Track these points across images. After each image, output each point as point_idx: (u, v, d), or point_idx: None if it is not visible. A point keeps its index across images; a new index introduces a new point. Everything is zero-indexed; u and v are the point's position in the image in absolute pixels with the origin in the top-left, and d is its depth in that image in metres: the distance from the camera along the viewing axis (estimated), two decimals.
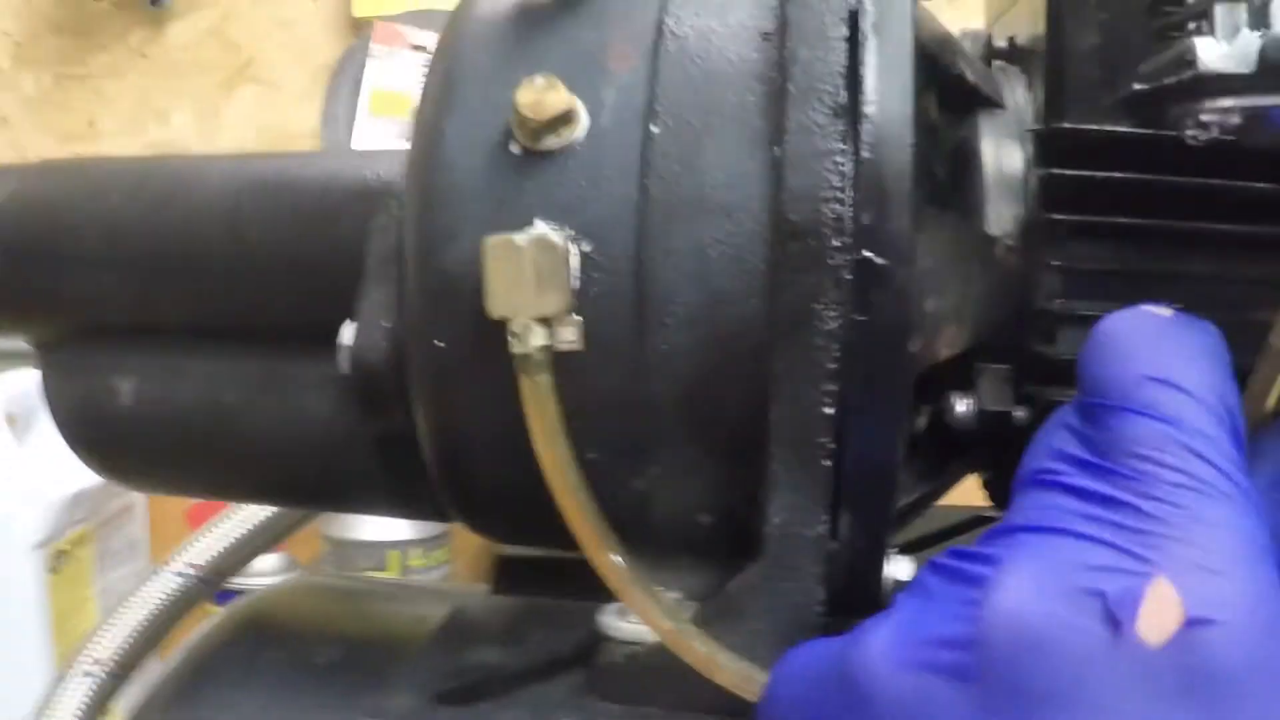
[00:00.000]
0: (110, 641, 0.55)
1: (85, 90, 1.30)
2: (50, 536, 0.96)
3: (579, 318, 0.29)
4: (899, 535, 0.40)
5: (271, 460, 0.40)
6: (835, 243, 0.28)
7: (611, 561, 0.29)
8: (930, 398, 0.34)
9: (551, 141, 0.30)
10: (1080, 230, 0.33)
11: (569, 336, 0.29)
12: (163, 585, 0.56)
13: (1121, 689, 0.22)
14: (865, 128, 0.29)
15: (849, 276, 0.28)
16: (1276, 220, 0.33)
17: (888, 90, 0.29)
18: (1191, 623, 0.23)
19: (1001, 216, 0.33)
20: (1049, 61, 0.34)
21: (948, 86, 0.35)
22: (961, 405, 0.33)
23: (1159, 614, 0.23)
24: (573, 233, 0.30)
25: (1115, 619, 0.23)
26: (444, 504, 0.35)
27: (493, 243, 0.29)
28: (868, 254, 0.28)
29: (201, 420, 0.41)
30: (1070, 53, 0.34)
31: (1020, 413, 0.33)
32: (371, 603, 0.43)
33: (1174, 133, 0.31)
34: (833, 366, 0.28)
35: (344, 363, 0.35)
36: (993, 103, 0.35)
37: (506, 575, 0.41)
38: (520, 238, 0.29)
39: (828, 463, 0.28)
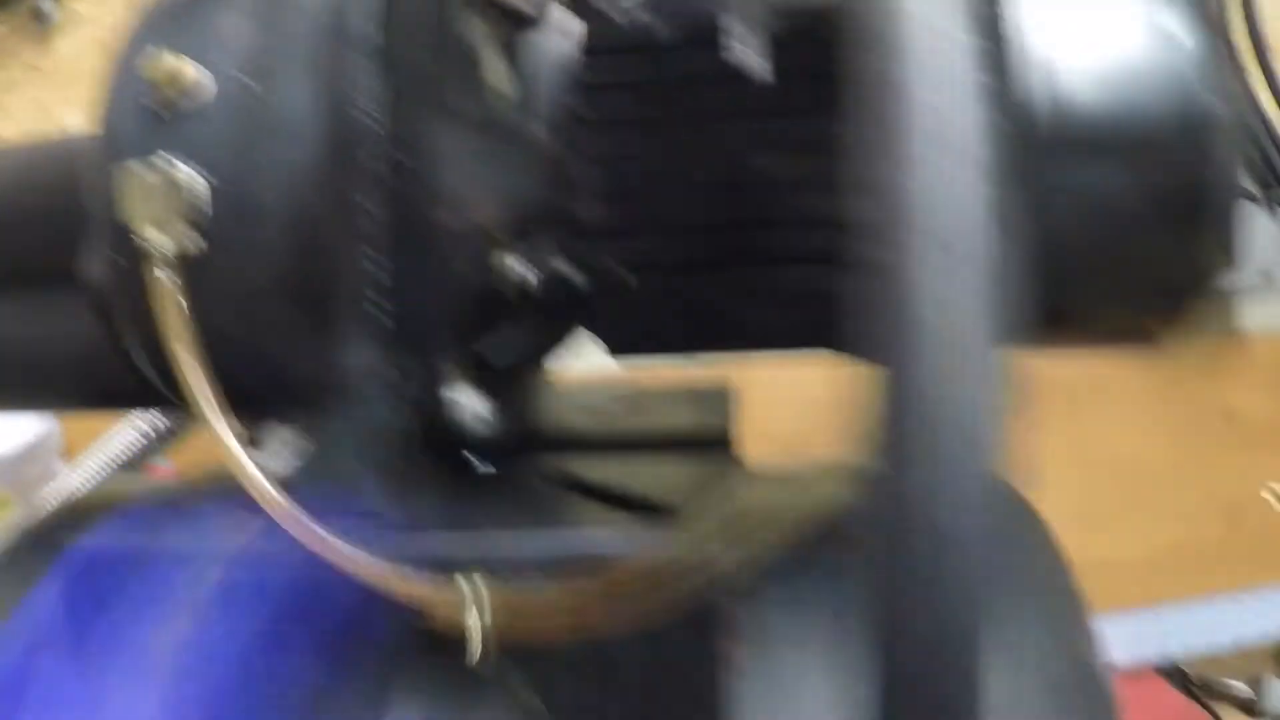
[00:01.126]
0: None
1: None
2: None
3: (199, 225, 0.40)
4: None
5: (59, 375, 0.51)
6: (368, 148, 0.38)
7: (213, 423, 0.39)
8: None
9: (183, 104, 0.41)
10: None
11: (189, 242, 0.39)
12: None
13: None
14: (389, 56, 0.39)
15: (379, 170, 0.38)
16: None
17: (405, 26, 0.39)
18: None
19: (538, 104, 0.43)
20: None
21: (493, 11, 0.44)
22: (520, 268, 0.43)
23: None
24: (195, 166, 0.40)
25: None
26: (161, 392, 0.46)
27: (122, 170, 0.39)
28: (393, 152, 0.38)
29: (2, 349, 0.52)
30: None
31: (571, 273, 0.43)
32: None
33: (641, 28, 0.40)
34: (372, 237, 0.38)
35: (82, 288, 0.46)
36: (535, 21, 0.45)
37: None
38: (138, 165, 0.39)
39: (377, 314, 0.39)
